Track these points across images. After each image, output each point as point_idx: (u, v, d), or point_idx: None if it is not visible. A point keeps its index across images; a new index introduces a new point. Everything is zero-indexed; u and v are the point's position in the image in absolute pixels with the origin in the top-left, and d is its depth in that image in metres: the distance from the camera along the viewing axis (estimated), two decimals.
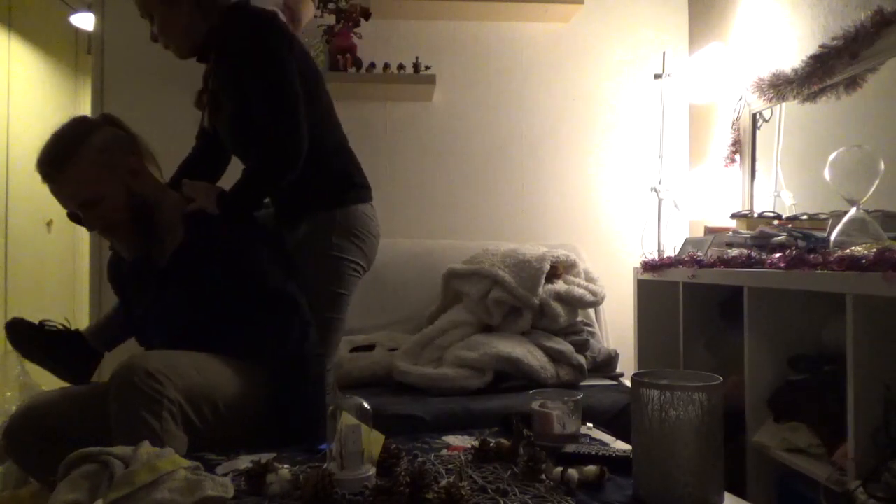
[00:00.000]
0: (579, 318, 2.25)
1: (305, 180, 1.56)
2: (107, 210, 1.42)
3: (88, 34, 3.48)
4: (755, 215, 2.12)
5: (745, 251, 1.74)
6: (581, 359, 2.08)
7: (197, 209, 1.50)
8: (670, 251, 2.23)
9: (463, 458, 1.26)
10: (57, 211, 4.14)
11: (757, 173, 2.38)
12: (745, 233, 1.91)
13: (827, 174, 1.51)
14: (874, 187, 1.46)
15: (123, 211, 1.43)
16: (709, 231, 2.25)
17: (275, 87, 1.51)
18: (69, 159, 1.36)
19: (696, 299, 2.04)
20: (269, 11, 1.61)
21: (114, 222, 1.44)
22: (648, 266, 2.25)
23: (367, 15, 2.68)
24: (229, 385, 1.43)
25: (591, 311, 2.48)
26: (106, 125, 1.48)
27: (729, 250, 1.83)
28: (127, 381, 1.27)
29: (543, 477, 1.14)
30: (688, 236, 2.38)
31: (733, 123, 2.47)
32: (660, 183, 2.58)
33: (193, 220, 1.49)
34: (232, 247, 1.48)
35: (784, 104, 2.21)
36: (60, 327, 1.67)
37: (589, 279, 2.34)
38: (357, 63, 2.66)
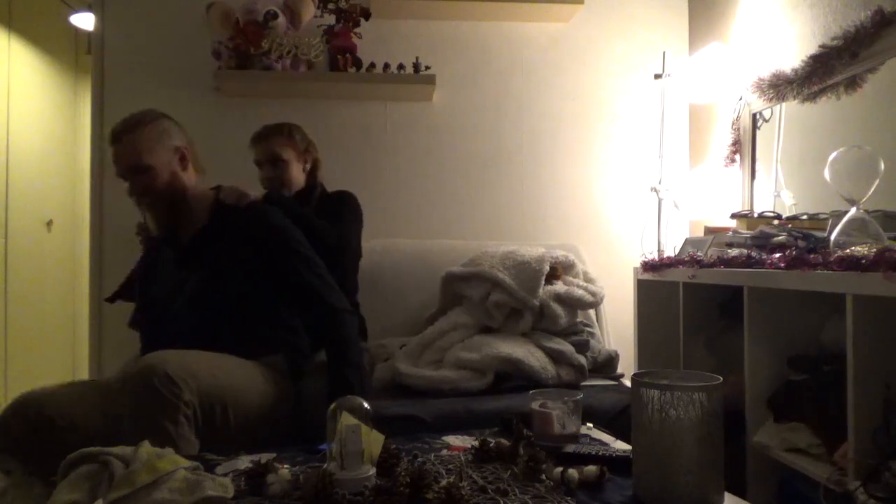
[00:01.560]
0: (579, 319, 2.24)
1: None
2: (151, 180, 1.63)
3: (88, 34, 3.49)
4: (755, 215, 2.12)
5: (745, 251, 1.74)
6: (581, 359, 2.07)
7: (230, 195, 1.74)
8: (670, 251, 2.23)
9: (463, 459, 1.26)
10: (57, 211, 4.15)
11: (757, 173, 2.38)
12: (745, 233, 1.91)
13: (827, 174, 1.50)
14: (874, 187, 1.45)
15: (164, 186, 1.64)
16: (709, 231, 2.24)
17: (355, 248, 2.13)
18: (138, 126, 1.63)
19: (695, 299, 2.04)
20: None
21: (153, 193, 1.64)
22: (648, 266, 2.25)
23: (366, 15, 2.68)
24: (243, 387, 1.49)
25: (591, 312, 2.47)
26: (174, 122, 1.72)
27: (729, 250, 1.82)
28: (146, 382, 1.29)
29: (543, 477, 1.14)
30: (688, 236, 2.38)
31: (733, 123, 2.47)
32: (660, 183, 2.58)
33: (221, 206, 1.73)
34: (255, 219, 1.70)
35: (784, 104, 2.21)
36: None
37: (588, 279, 2.34)
38: (357, 63, 2.66)
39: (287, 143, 2.15)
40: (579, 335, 2.17)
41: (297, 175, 2.17)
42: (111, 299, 2.15)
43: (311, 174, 2.22)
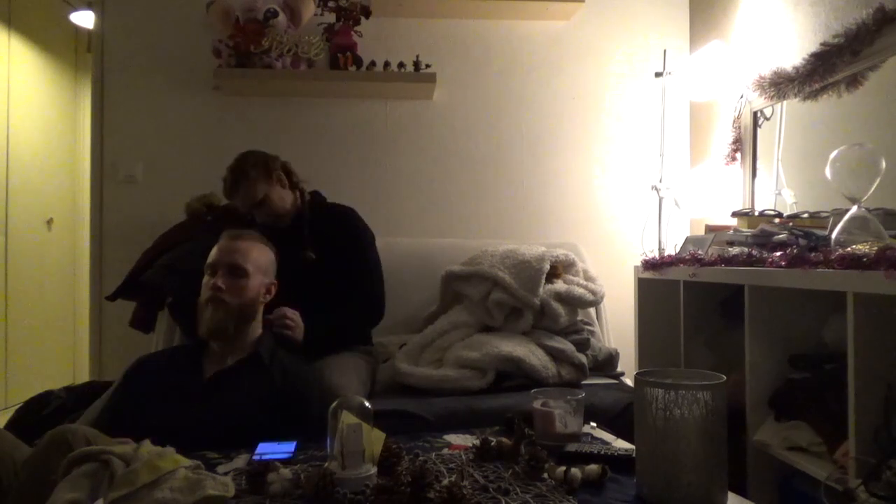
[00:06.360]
0: (579, 317, 2.24)
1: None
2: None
3: (88, 32, 3.49)
4: (756, 213, 2.12)
5: (745, 249, 1.74)
6: (582, 357, 2.07)
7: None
8: (671, 250, 2.22)
9: (464, 457, 1.26)
10: (57, 209, 4.13)
11: (758, 171, 2.38)
12: (746, 231, 1.91)
13: (828, 172, 1.50)
14: (875, 185, 1.45)
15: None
16: (709, 229, 2.24)
17: (375, 266, 2.13)
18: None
19: (696, 298, 2.04)
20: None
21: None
22: (649, 265, 2.25)
23: (367, 13, 2.67)
24: None
25: (592, 310, 2.47)
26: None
27: (730, 248, 1.82)
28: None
29: (545, 476, 1.14)
30: (688, 235, 2.37)
31: (734, 121, 2.47)
32: (660, 181, 2.58)
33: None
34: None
35: (785, 102, 2.21)
36: None
37: (588, 278, 2.33)
38: (357, 61, 2.65)
39: (256, 179, 2.01)
40: (580, 334, 2.16)
41: (282, 198, 2.06)
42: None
43: (292, 183, 2.10)
